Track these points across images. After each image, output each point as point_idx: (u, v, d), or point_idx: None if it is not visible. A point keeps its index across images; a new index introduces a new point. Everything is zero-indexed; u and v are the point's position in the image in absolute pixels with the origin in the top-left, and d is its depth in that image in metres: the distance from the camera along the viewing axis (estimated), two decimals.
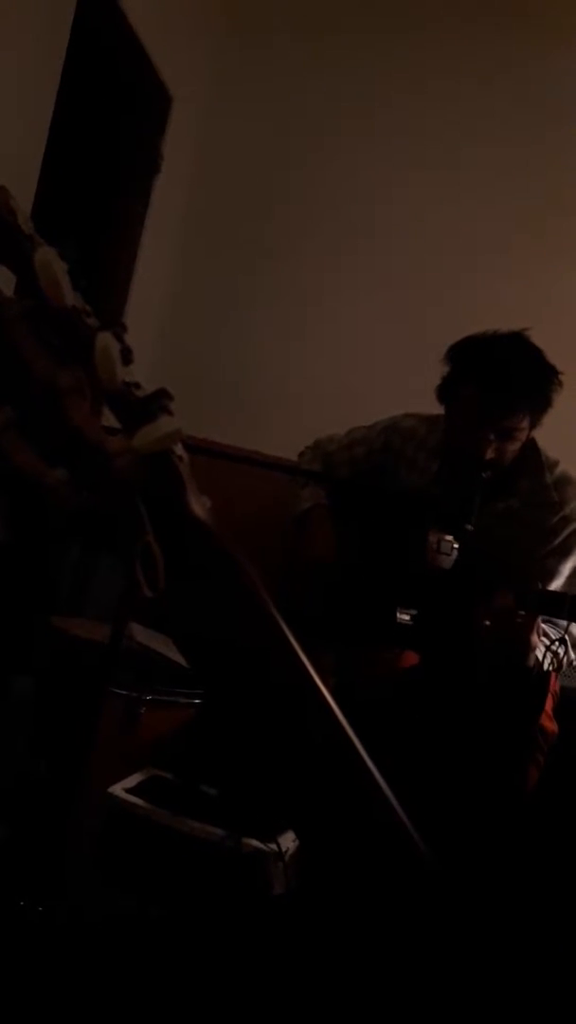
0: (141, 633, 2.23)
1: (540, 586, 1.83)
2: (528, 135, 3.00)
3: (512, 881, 1.80)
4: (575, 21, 2.96)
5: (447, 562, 1.81)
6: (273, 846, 1.81)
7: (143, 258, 2.98)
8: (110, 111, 2.84)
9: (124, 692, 2.05)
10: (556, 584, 1.98)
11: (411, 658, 2.00)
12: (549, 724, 1.95)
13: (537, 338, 1.93)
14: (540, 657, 1.83)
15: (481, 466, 1.88)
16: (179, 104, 2.96)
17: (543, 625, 1.88)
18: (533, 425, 1.94)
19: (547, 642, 1.87)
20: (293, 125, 3.14)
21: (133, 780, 1.98)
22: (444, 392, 1.98)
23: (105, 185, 2.91)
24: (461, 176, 3.04)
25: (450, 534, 1.78)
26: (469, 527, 1.88)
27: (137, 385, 0.42)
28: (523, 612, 1.71)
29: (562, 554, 1.98)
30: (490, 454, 1.88)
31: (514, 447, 1.93)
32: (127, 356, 0.41)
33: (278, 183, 3.16)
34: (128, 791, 1.93)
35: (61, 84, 2.34)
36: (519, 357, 1.88)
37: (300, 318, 3.13)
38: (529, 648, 1.74)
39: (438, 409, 2.06)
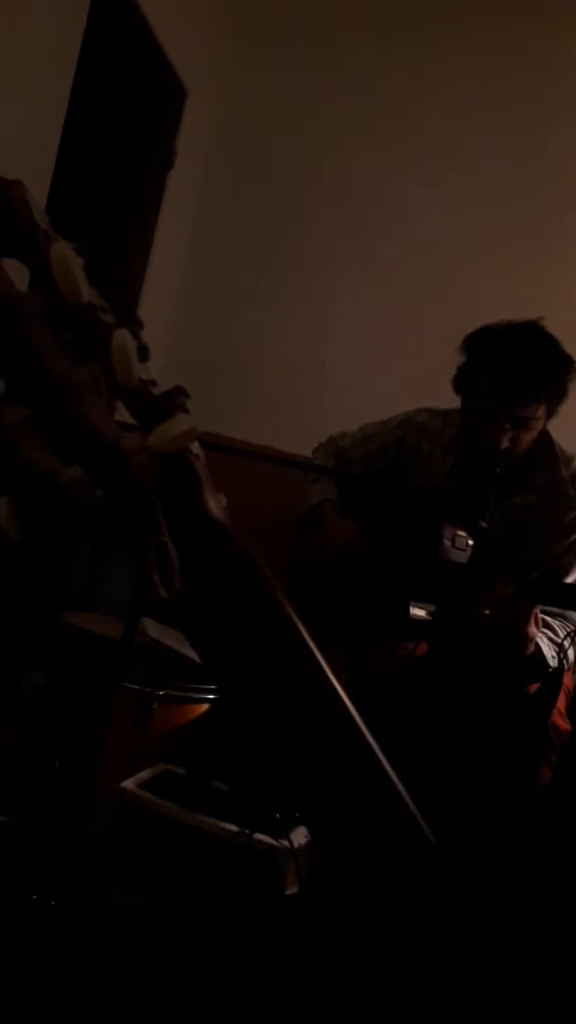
0: (154, 628, 2.23)
1: (538, 577, 1.81)
2: (536, 132, 2.98)
3: (524, 878, 1.80)
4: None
5: (461, 557, 1.80)
6: (285, 842, 1.80)
7: (157, 253, 2.98)
8: (124, 106, 2.84)
9: (137, 687, 2.05)
10: (572, 578, 1.97)
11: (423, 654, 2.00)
12: (562, 723, 1.94)
13: (552, 328, 1.92)
14: (545, 650, 1.82)
15: (496, 456, 1.87)
16: (193, 99, 2.95)
17: (550, 620, 1.87)
18: (549, 415, 1.93)
19: (550, 634, 1.86)
20: (305, 121, 3.13)
21: (145, 775, 1.98)
22: (460, 382, 1.97)
23: (119, 180, 2.91)
24: (471, 172, 3.02)
25: (464, 530, 1.77)
26: (483, 524, 1.87)
27: (153, 383, 0.42)
28: (523, 602, 1.69)
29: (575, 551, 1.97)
30: (505, 443, 1.87)
31: (529, 437, 1.92)
32: (143, 353, 0.41)
33: (291, 179, 3.15)
34: (140, 786, 1.93)
35: (75, 79, 2.34)
36: (536, 346, 1.88)
37: (312, 313, 3.12)
38: (526, 638, 1.73)
39: (452, 403, 2.05)
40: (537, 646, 1.80)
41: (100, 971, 1.54)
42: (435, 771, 1.67)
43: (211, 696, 2.16)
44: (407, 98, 3.07)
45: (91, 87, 2.43)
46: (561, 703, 1.96)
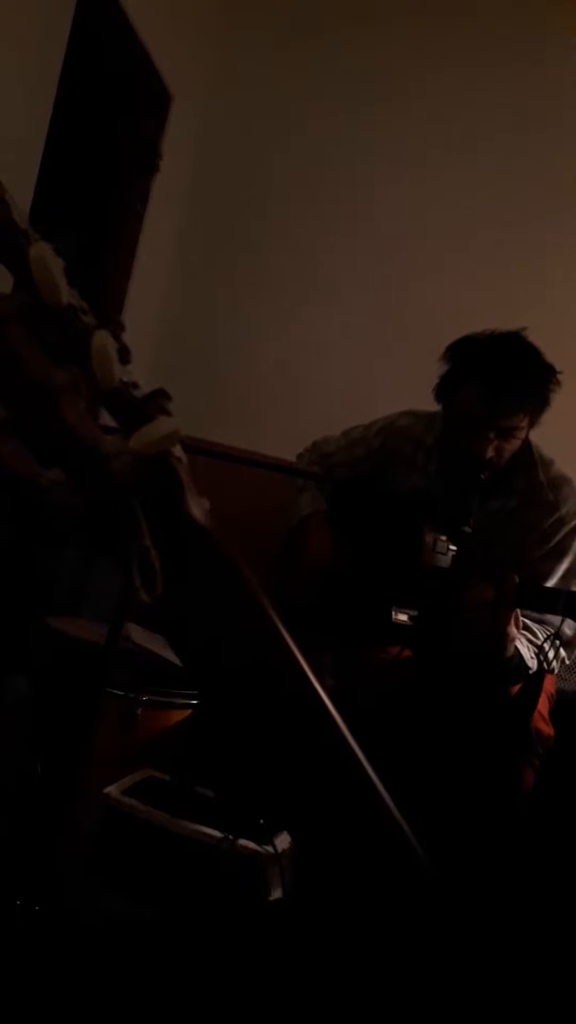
0: (138, 634, 2.22)
1: (517, 580, 1.82)
2: (527, 131, 3.00)
3: (508, 883, 1.80)
4: (573, 18, 2.96)
5: (443, 562, 1.80)
6: (269, 848, 1.80)
7: (141, 257, 2.97)
8: (109, 109, 2.84)
9: (121, 693, 2.04)
10: (550, 583, 1.97)
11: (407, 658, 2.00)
12: (544, 727, 1.95)
13: (534, 336, 1.92)
14: (524, 652, 1.83)
15: (480, 466, 1.87)
16: (179, 103, 2.95)
17: (530, 624, 1.87)
18: (532, 425, 1.94)
19: (529, 636, 1.86)
20: (291, 125, 3.14)
21: (129, 781, 1.97)
22: (442, 391, 1.97)
23: (104, 184, 2.90)
24: (459, 173, 3.04)
25: (445, 534, 1.77)
26: (467, 528, 1.88)
27: (135, 385, 0.41)
28: (502, 605, 1.69)
29: (557, 556, 1.98)
30: (489, 453, 1.88)
31: (513, 446, 1.92)
32: (124, 355, 0.40)
33: (277, 182, 3.16)
34: (124, 792, 1.92)
35: (60, 82, 2.33)
36: (519, 356, 1.88)
37: (298, 317, 3.12)
38: (506, 639, 1.73)
39: (435, 406, 2.05)
40: (516, 648, 1.80)
41: (85, 976, 1.53)
42: (418, 776, 1.67)
43: (195, 702, 2.15)
44: (394, 102, 3.08)
45: (76, 91, 2.42)
46: (544, 708, 1.96)
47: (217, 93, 3.15)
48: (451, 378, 1.94)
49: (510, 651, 1.76)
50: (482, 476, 1.88)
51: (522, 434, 1.92)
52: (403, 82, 3.08)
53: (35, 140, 2.30)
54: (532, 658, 1.84)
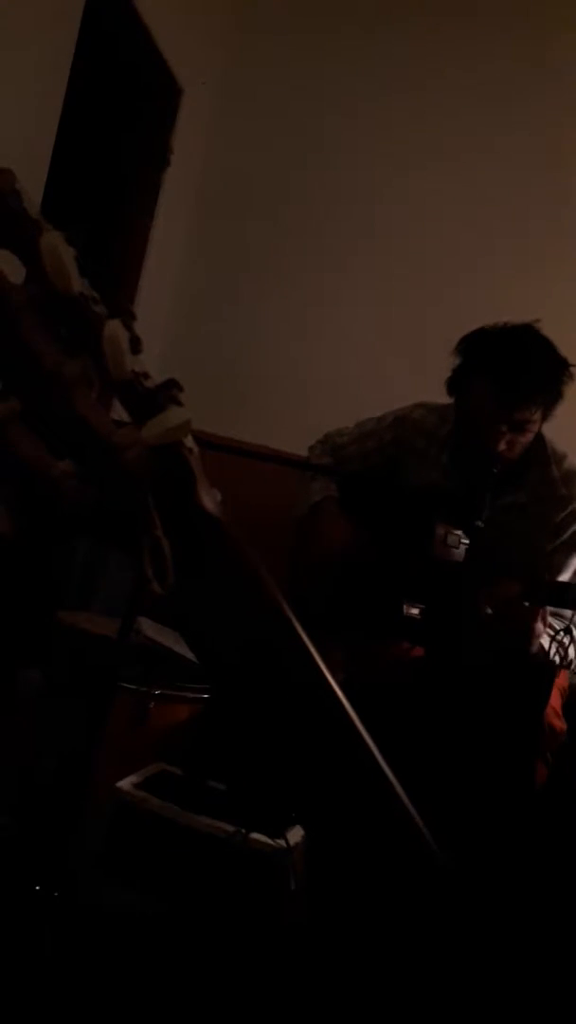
0: (150, 628, 2.23)
1: (547, 578, 1.83)
2: (533, 131, 2.98)
3: (519, 877, 1.79)
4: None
5: (456, 556, 1.79)
6: (281, 842, 1.80)
7: (152, 252, 2.97)
8: (120, 103, 2.83)
9: (133, 687, 2.05)
10: (563, 578, 1.97)
11: (420, 653, 1.99)
12: (557, 722, 1.94)
13: (545, 330, 1.91)
14: (547, 647, 1.83)
15: (492, 459, 1.87)
16: (189, 97, 2.94)
17: (550, 618, 1.87)
18: (545, 418, 1.92)
19: (552, 632, 1.86)
20: (302, 119, 3.12)
21: (141, 775, 1.98)
22: (455, 384, 1.96)
23: (114, 178, 2.90)
24: (468, 171, 3.02)
25: (458, 528, 1.77)
26: (479, 523, 1.87)
27: (146, 375, 0.41)
28: (527, 602, 1.70)
29: (570, 549, 1.97)
30: (502, 447, 1.87)
31: (525, 440, 1.91)
32: (136, 345, 0.40)
33: (287, 177, 3.14)
34: (136, 786, 1.93)
35: (71, 76, 2.33)
36: (532, 349, 1.87)
37: (308, 312, 3.12)
38: (532, 635, 1.73)
39: (448, 399, 2.03)
40: (540, 645, 1.80)
41: (94, 966, 1.54)
42: (431, 772, 1.67)
43: (207, 696, 2.15)
44: (405, 97, 3.06)
45: (86, 85, 2.42)
46: (556, 703, 1.96)
47: (228, 87, 3.15)
48: (464, 371, 1.93)
49: (535, 647, 1.76)
50: (495, 470, 1.87)
51: (535, 428, 1.91)
52: (417, 75, 3.06)
53: (46, 134, 2.30)
54: (555, 654, 1.84)
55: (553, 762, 1.92)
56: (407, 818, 0.54)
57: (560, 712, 1.97)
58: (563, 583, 1.90)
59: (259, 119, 3.15)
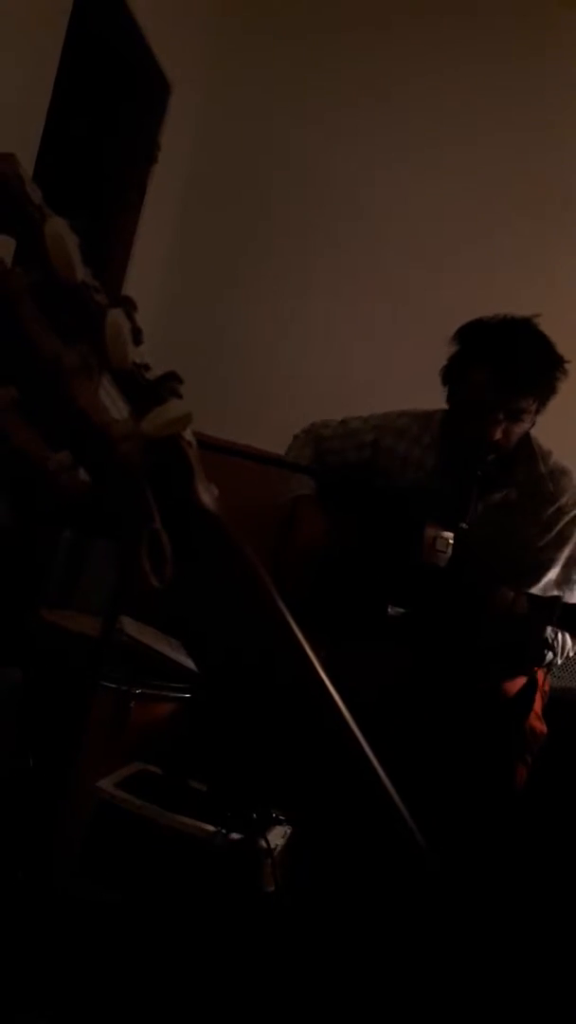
0: (132, 626, 2.21)
1: (560, 599, 1.84)
2: (526, 120, 2.99)
3: (501, 878, 1.80)
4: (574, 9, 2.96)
5: (442, 559, 1.80)
6: (262, 842, 1.79)
7: (138, 249, 2.95)
8: (107, 100, 2.82)
9: (114, 686, 2.03)
10: (552, 573, 1.99)
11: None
12: (538, 724, 1.95)
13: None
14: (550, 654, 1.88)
15: (487, 447, 1.88)
16: (178, 93, 2.93)
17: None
18: (538, 411, 1.94)
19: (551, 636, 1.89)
20: (292, 115, 3.12)
21: (121, 774, 1.96)
22: (451, 373, 1.96)
23: (101, 175, 2.88)
24: (461, 164, 3.03)
25: (447, 531, 1.77)
26: (464, 525, 1.88)
27: (147, 367, 0.41)
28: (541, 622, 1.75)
29: (558, 545, 1.99)
30: (497, 435, 1.88)
31: (520, 430, 1.92)
32: (137, 336, 0.40)
33: (276, 174, 3.14)
34: (116, 785, 1.91)
35: (59, 71, 2.31)
36: (530, 339, 1.89)
37: (295, 309, 3.11)
38: (544, 645, 1.80)
39: (435, 402, 2.04)
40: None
41: (76, 965, 1.52)
42: (413, 773, 1.67)
43: (188, 695, 2.14)
44: (395, 93, 3.07)
45: (74, 80, 2.40)
46: (538, 706, 1.97)
47: (216, 84, 3.14)
48: (461, 359, 1.93)
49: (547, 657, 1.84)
50: (489, 458, 1.89)
51: (528, 419, 1.92)
52: (404, 72, 3.06)
53: (32, 130, 2.28)
54: (557, 655, 1.89)
55: (533, 764, 1.94)
56: (398, 818, 0.54)
57: (541, 714, 1.99)
58: (541, 598, 1.89)
59: (248, 116, 3.14)
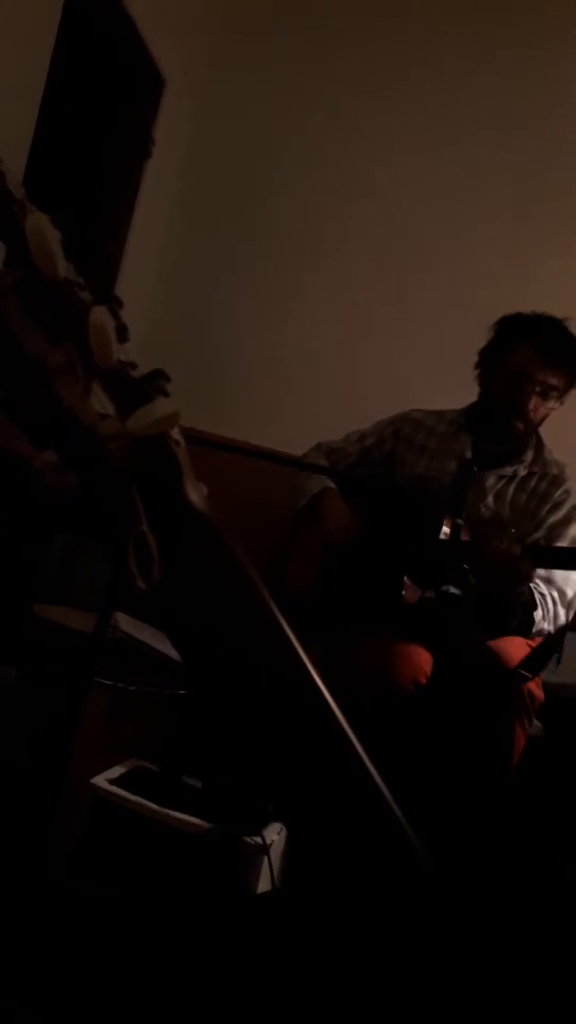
0: (126, 623, 2.21)
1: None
2: (527, 117, 2.97)
3: (495, 863, 1.81)
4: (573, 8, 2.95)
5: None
6: (258, 838, 1.79)
7: (132, 245, 2.94)
8: (101, 93, 2.80)
9: (108, 682, 2.03)
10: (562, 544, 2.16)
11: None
12: (536, 690, 2.00)
13: None
14: (538, 613, 2.01)
15: (520, 414, 2.10)
16: (172, 88, 2.91)
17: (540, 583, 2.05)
18: (561, 398, 2.13)
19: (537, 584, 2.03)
20: (287, 110, 3.10)
21: (116, 771, 1.96)
22: (490, 356, 2.18)
23: (95, 170, 2.87)
24: (460, 158, 3.00)
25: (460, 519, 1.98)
26: (460, 521, 1.97)
27: (132, 365, 0.40)
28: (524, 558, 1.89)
29: (566, 523, 2.17)
30: (531, 404, 2.09)
31: (546, 410, 2.14)
32: (122, 333, 0.39)
33: (271, 169, 3.12)
34: (111, 782, 1.91)
35: (51, 66, 2.30)
36: (567, 330, 2.10)
37: (291, 304, 3.10)
38: (527, 574, 1.91)
39: (438, 400, 2.23)
40: (530, 588, 2.00)
41: (70, 960, 1.52)
42: (415, 758, 1.72)
43: (183, 691, 2.14)
44: (393, 88, 3.05)
45: (68, 74, 2.39)
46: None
47: (211, 78, 3.12)
48: (502, 340, 2.15)
49: (523, 587, 1.98)
50: (519, 426, 2.11)
51: (554, 402, 2.13)
52: (403, 65, 3.04)
53: (24, 125, 2.27)
54: (543, 619, 2.03)
55: (530, 725, 1.98)
56: (389, 811, 0.54)
57: (539, 682, 2.02)
58: (559, 547, 2.10)
59: (243, 110, 3.12)
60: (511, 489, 2.18)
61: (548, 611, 2.04)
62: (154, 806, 1.85)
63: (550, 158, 2.97)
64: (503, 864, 1.82)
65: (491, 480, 2.17)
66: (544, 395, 2.11)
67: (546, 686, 2.09)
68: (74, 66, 2.42)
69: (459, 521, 2.00)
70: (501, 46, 2.98)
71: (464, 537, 2.00)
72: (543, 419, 2.17)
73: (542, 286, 2.78)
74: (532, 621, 2.01)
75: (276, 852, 1.80)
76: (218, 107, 3.13)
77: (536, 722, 2.03)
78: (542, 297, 2.19)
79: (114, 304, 0.38)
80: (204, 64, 3.09)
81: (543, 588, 2.05)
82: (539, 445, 2.23)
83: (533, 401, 2.10)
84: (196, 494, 0.45)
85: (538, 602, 2.01)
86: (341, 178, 3.08)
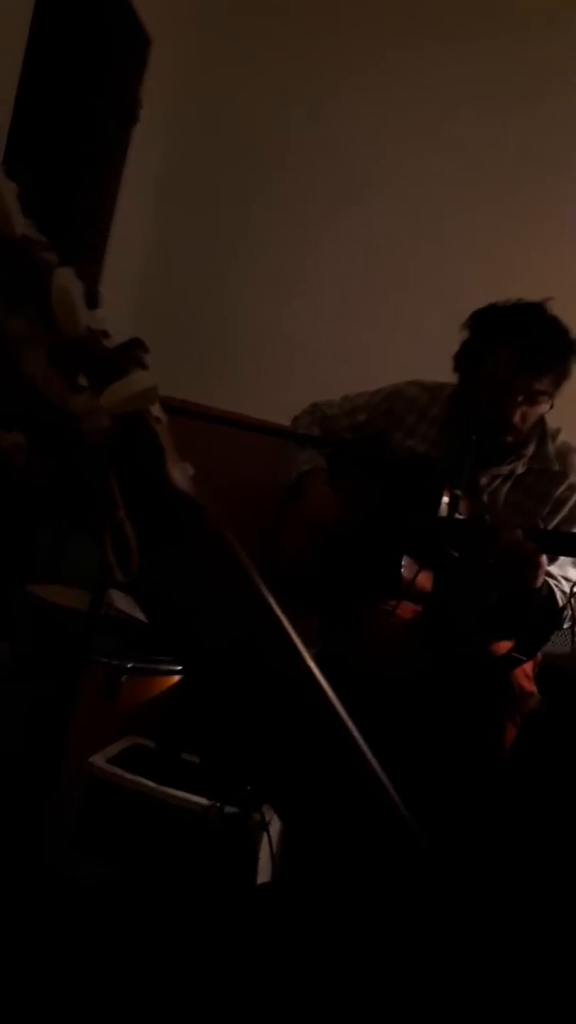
0: (122, 600, 2.18)
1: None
2: (525, 99, 2.91)
3: (490, 850, 1.81)
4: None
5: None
6: (257, 815, 1.78)
7: (121, 212, 2.87)
8: (85, 54, 2.71)
9: (105, 660, 2.01)
10: None
11: (407, 610, 1.99)
12: (527, 684, 1.97)
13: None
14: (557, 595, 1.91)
15: (506, 430, 1.93)
16: (158, 47, 2.83)
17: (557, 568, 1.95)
18: (552, 395, 1.97)
19: (555, 578, 1.93)
20: (280, 72, 3.02)
21: (114, 749, 1.95)
22: (466, 359, 1.99)
23: (80, 135, 2.78)
24: (456, 135, 2.94)
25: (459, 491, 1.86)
26: (458, 492, 1.91)
27: (105, 334, 0.36)
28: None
29: (570, 521, 2.04)
30: (516, 417, 1.92)
31: (536, 413, 1.97)
32: (93, 299, 0.35)
33: (263, 133, 3.04)
34: (109, 760, 1.89)
35: (32, 24, 2.22)
36: (547, 322, 1.92)
37: (284, 271, 3.05)
38: (540, 568, 1.80)
39: (433, 372, 2.07)
40: (548, 585, 1.88)
41: (69, 941, 1.51)
42: (407, 736, 1.70)
43: (180, 667, 2.12)
44: (390, 54, 2.97)
45: (49, 33, 2.31)
46: (528, 666, 1.98)
47: (198, 38, 3.02)
48: (480, 343, 1.96)
49: (540, 582, 1.84)
50: (508, 439, 1.94)
51: (545, 402, 1.96)
52: (401, 33, 2.96)
53: (6, 88, 2.20)
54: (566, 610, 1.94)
55: (522, 724, 1.95)
56: (383, 792, 0.52)
57: (531, 675, 2.00)
58: (564, 532, 1.99)
59: (233, 70, 3.04)
60: (506, 488, 2.04)
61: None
62: (152, 784, 1.84)
63: (555, 137, 2.90)
64: (496, 850, 1.82)
65: (484, 480, 2.03)
66: (532, 401, 1.92)
67: (550, 658, 2.08)
68: (55, 25, 2.34)
69: (457, 492, 1.88)
70: (510, 26, 2.90)
71: (462, 511, 1.90)
72: (537, 422, 2.01)
73: (543, 260, 2.74)
74: (559, 613, 1.91)
75: (275, 829, 1.79)
76: (206, 66, 3.04)
77: (537, 694, 2.02)
78: (543, 273, 2.14)
79: (83, 266, 0.34)
80: (192, 21, 3.00)
81: (554, 572, 1.95)
82: (541, 436, 2.05)
83: (520, 412, 1.92)
84: (180, 475, 0.41)
85: (558, 596, 1.92)
86: (340, 139, 3.01)
